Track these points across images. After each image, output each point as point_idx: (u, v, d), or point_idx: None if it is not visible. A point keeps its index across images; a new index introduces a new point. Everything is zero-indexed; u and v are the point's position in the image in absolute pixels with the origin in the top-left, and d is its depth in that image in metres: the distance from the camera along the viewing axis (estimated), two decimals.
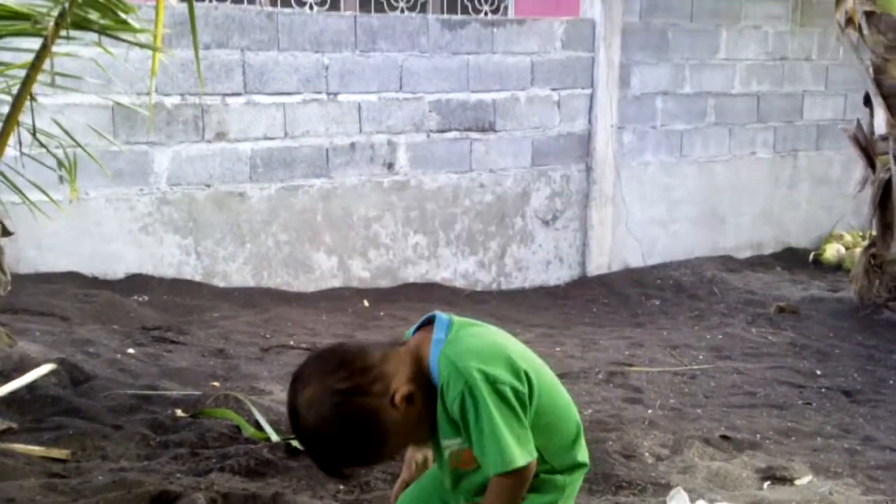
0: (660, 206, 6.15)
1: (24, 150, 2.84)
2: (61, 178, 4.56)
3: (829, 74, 6.60)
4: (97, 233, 4.68)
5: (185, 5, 5.03)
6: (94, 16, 2.66)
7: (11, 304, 3.95)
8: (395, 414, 1.37)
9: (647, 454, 2.66)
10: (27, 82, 2.55)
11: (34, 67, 2.55)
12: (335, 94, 5.05)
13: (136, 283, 4.69)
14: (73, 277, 4.56)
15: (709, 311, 5.11)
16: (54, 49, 2.73)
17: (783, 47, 6.40)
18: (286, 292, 5.05)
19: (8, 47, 2.89)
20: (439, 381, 1.39)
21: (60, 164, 2.83)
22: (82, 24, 2.65)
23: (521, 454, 1.36)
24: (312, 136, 5.04)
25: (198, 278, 4.90)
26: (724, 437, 2.90)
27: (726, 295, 5.45)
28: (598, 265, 5.92)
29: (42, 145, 2.79)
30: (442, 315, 1.47)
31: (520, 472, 1.38)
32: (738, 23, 6.21)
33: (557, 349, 4.19)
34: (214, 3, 5.55)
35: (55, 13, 2.59)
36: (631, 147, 5.97)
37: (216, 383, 3.17)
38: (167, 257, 4.84)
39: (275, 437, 2.45)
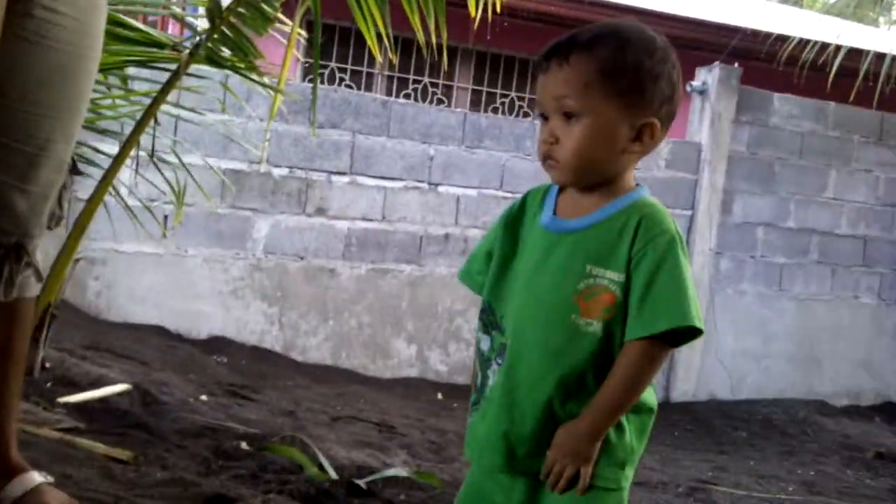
0: (754, 339, 5.90)
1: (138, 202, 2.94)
2: (164, 234, 4.71)
3: None
4: (189, 290, 4.77)
5: (307, 85, 5.26)
6: (226, 52, 2.80)
7: (97, 343, 4.02)
8: (632, 122, 1.24)
9: None
10: (153, 105, 2.67)
11: (163, 91, 2.67)
12: (436, 185, 5.13)
13: (217, 344, 4.72)
14: (157, 331, 4.63)
15: (800, 449, 4.78)
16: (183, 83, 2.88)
17: (895, 193, 6.23)
18: (361, 374, 4.99)
19: (138, 77, 3.06)
20: (631, 206, 1.26)
21: (174, 189, 2.91)
22: (214, 59, 2.78)
23: (699, 318, 1.21)
24: (408, 223, 5.10)
25: (277, 348, 4.91)
26: None
27: (820, 437, 5.09)
28: (683, 392, 5.67)
29: (158, 170, 2.89)
30: None
31: (661, 350, 1.22)
32: (848, 165, 6.09)
33: None
34: (334, 87, 5.79)
35: (191, 44, 2.74)
36: (728, 274, 5.81)
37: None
38: (251, 324, 4.88)
39: (336, 478, 2.35)
